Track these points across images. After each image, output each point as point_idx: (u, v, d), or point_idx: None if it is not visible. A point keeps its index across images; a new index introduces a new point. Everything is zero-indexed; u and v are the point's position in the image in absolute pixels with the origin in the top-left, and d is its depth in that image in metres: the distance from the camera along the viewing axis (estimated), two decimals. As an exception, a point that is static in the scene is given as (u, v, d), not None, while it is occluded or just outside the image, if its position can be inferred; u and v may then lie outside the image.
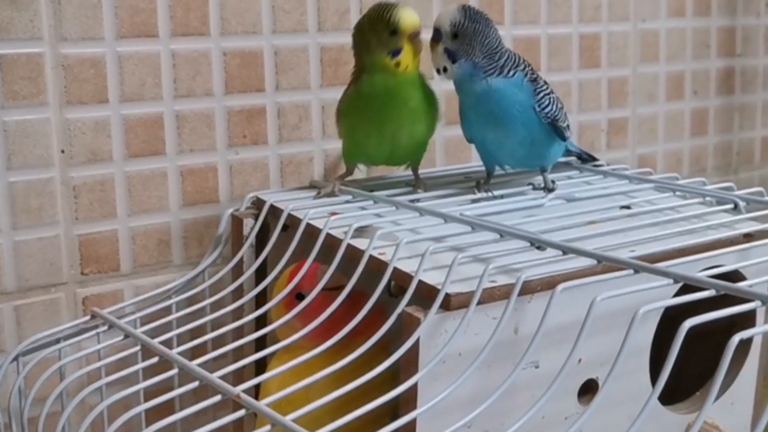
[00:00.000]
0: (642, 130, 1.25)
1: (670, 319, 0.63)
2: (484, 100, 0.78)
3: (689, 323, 0.47)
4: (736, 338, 0.45)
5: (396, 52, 0.77)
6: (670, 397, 0.75)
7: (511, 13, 1.09)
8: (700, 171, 1.31)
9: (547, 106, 0.79)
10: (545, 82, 0.80)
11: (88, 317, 0.73)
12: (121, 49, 0.85)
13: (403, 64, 0.78)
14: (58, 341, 0.71)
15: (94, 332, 0.71)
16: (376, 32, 0.78)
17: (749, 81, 1.36)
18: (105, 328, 0.70)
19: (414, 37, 0.78)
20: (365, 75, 0.80)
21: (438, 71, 0.79)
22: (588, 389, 0.66)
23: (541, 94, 0.78)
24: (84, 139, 0.84)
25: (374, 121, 0.80)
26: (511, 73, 0.78)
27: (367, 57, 0.79)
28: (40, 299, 0.84)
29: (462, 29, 0.77)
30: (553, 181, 0.82)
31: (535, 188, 0.83)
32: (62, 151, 0.83)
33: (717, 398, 0.76)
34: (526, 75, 0.78)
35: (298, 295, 0.67)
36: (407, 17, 0.77)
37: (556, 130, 0.80)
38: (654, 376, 0.65)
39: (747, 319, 0.69)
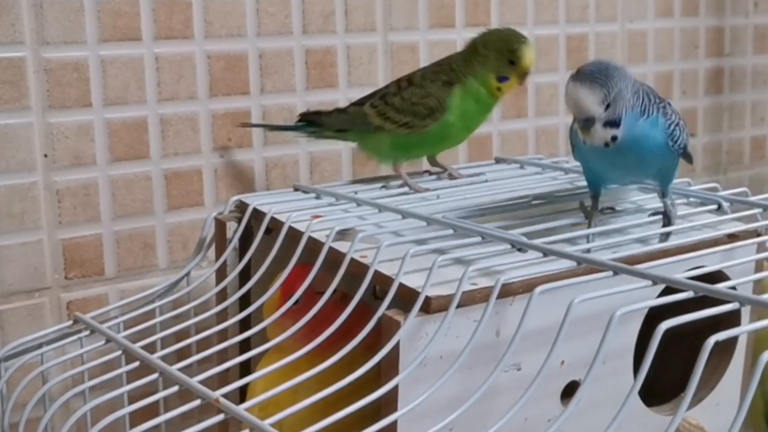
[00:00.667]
0: (630, 131, 1.24)
1: (658, 320, 0.63)
2: (626, 145, 0.68)
3: (665, 325, 0.47)
4: (712, 340, 0.45)
5: (503, 79, 0.84)
6: (656, 398, 0.75)
7: (497, 14, 1.09)
8: (689, 171, 1.31)
9: (678, 137, 0.71)
10: (672, 110, 0.73)
11: (71, 322, 0.73)
12: (104, 53, 0.85)
13: (503, 92, 0.85)
14: (40, 346, 0.71)
15: (76, 337, 0.71)
16: (498, 53, 0.84)
17: (738, 81, 1.37)
18: (87, 332, 0.70)
19: (524, 75, 0.84)
20: (464, 79, 0.85)
21: (606, 145, 0.68)
22: (571, 391, 0.66)
23: (672, 126, 0.71)
24: (67, 143, 0.84)
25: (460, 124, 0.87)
26: (650, 111, 0.69)
27: (474, 67, 0.85)
28: (24, 304, 0.84)
29: (611, 98, 0.66)
30: (673, 204, 0.75)
31: (653, 214, 0.76)
32: (45, 156, 0.83)
33: (701, 399, 0.76)
34: (659, 110, 0.70)
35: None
36: (530, 56, 0.83)
37: (685, 156, 0.74)
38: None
39: (732, 320, 0.69)
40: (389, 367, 0.58)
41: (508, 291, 0.60)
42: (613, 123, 0.67)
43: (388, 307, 0.59)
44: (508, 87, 0.84)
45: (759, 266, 0.73)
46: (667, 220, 0.73)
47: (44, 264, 0.84)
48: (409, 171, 0.86)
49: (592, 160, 0.73)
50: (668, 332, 0.50)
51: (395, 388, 0.56)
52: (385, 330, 0.58)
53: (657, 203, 0.77)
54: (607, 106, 0.66)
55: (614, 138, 0.67)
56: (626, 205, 0.80)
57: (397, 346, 0.57)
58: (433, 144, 0.88)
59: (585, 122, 0.67)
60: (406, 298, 0.60)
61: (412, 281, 0.60)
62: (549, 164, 0.92)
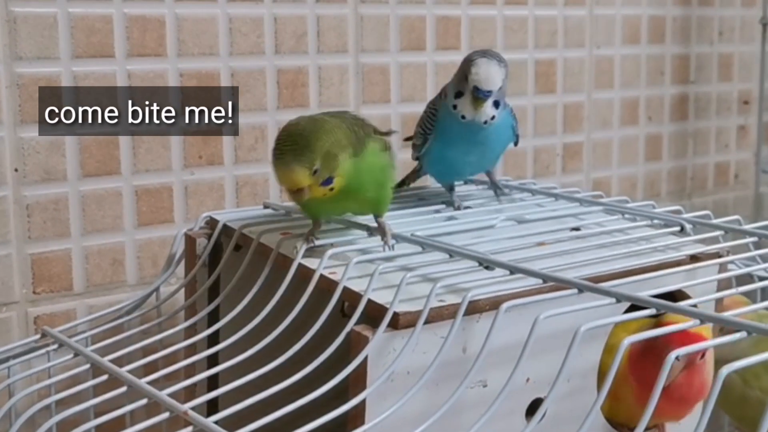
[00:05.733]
0: (597, 155, 1.26)
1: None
2: (496, 132, 0.81)
3: (628, 341, 0.48)
4: (672, 355, 0.46)
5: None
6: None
7: (467, 38, 1.11)
8: (655, 196, 1.33)
9: (517, 121, 0.84)
10: None
11: (38, 336, 0.73)
12: (77, 69, 0.85)
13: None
14: (7, 360, 0.71)
15: (44, 351, 0.70)
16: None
17: (703, 107, 1.39)
18: (55, 346, 0.70)
19: None
20: None
21: (485, 122, 0.79)
22: (536, 408, 0.67)
23: (513, 112, 0.83)
24: (38, 158, 0.84)
25: None
26: (506, 103, 0.81)
27: None
28: (-9, 318, 0.84)
29: (505, 79, 0.78)
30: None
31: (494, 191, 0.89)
32: (16, 170, 0.83)
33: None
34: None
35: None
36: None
37: (516, 139, 0.85)
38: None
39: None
40: (357, 381, 0.58)
41: (474, 308, 0.61)
42: (497, 103, 0.79)
43: (357, 323, 0.60)
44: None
45: (721, 286, 0.75)
46: (499, 190, 0.88)
47: (12, 278, 0.84)
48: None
49: (453, 147, 0.81)
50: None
51: (363, 403, 0.56)
52: (354, 345, 0.59)
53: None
54: (499, 88, 0.78)
55: (493, 117, 0.79)
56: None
57: (365, 361, 0.58)
58: None
59: (485, 94, 0.77)
60: (374, 314, 0.60)
61: (381, 297, 0.61)
62: (516, 186, 0.94)
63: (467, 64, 0.78)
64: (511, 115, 0.83)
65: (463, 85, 0.78)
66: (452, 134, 0.81)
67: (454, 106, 0.79)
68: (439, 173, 0.87)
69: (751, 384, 0.83)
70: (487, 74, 0.77)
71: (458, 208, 0.84)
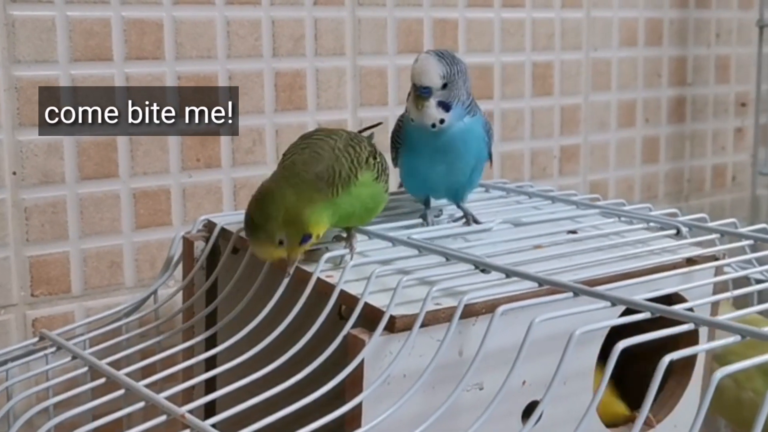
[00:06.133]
0: (594, 157, 1.27)
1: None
2: (458, 140, 0.77)
3: (622, 344, 0.49)
4: (667, 359, 0.46)
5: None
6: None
7: (464, 41, 1.11)
8: (652, 198, 1.33)
9: (491, 138, 0.80)
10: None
11: (36, 339, 0.73)
12: (75, 72, 0.85)
13: None
14: (5, 362, 0.71)
15: (42, 353, 0.71)
16: None
17: (700, 110, 1.39)
18: (53, 349, 0.70)
19: None
20: None
21: (433, 125, 0.75)
22: (532, 411, 0.67)
23: (489, 128, 0.80)
24: (36, 161, 0.84)
25: None
26: (475, 112, 0.78)
27: None
28: (-11, 321, 0.84)
29: (450, 77, 0.74)
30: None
31: (454, 220, 0.82)
32: (14, 173, 0.84)
33: (660, 421, 0.77)
34: (483, 115, 0.79)
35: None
36: None
37: (490, 157, 0.81)
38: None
39: (691, 342, 0.70)
40: (353, 384, 0.58)
41: (470, 311, 0.61)
42: (445, 105, 0.74)
43: (353, 326, 0.60)
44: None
45: (717, 289, 0.75)
46: (472, 219, 0.81)
47: (10, 281, 0.84)
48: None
49: (419, 156, 0.78)
50: (629, 355, 0.51)
51: (359, 406, 0.57)
52: (351, 348, 0.59)
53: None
54: (444, 86, 0.74)
55: (442, 121, 0.75)
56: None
57: (361, 364, 0.58)
58: None
59: (423, 90, 0.74)
60: (371, 317, 0.61)
61: (377, 301, 0.61)
62: (513, 188, 0.94)
63: None
64: (484, 128, 0.79)
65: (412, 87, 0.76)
66: (414, 142, 0.78)
67: (407, 109, 0.77)
68: (412, 186, 0.83)
69: (744, 386, 0.83)
70: (422, 69, 0.74)
71: (431, 224, 0.80)
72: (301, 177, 0.65)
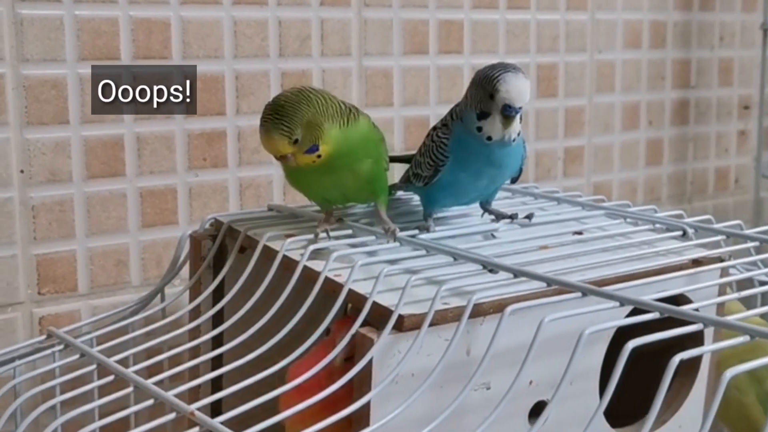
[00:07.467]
0: (598, 159, 1.27)
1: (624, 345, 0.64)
2: (513, 154, 0.76)
3: (632, 344, 0.49)
4: (677, 358, 0.47)
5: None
6: (621, 419, 0.76)
7: (469, 42, 1.11)
8: (655, 200, 1.34)
9: (525, 157, 0.79)
10: None
11: (44, 336, 0.73)
12: (83, 71, 0.86)
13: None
14: (12, 360, 0.71)
15: (49, 351, 0.71)
16: None
17: (703, 112, 1.39)
18: (61, 347, 0.70)
19: None
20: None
21: (514, 140, 0.73)
22: (539, 411, 0.67)
23: (525, 143, 0.79)
24: (43, 159, 0.85)
25: None
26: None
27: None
28: (-4, 319, 0.84)
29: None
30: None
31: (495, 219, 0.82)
32: (21, 171, 0.84)
33: (665, 421, 0.78)
34: None
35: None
36: None
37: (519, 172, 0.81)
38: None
39: (697, 342, 0.70)
40: (362, 383, 0.59)
41: (479, 311, 0.61)
42: (521, 119, 0.74)
43: (362, 325, 0.60)
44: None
45: (722, 290, 0.75)
46: (506, 216, 0.81)
47: (18, 279, 0.84)
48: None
49: (468, 171, 0.76)
50: (635, 355, 0.51)
51: (367, 405, 0.57)
52: (359, 347, 0.59)
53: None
54: None
55: (519, 133, 0.74)
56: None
57: (369, 363, 0.58)
58: None
59: (516, 111, 0.71)
60: (378, 316, 0.61)
61: (386, 300, 0.62)
62: (519, 189, 0.94)
63: (491, 82, 0.70)
64: (523, 145, 0.78)
65: (488, 105, 0.71)
66: (469, 158, 0.75)
67: (479, 128, 0.72)
68: (441, 198, 0.79)
69: (746, 391, 0.84)
70: (518, 90, 0.70)
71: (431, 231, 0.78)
72: (325, 99, 0.71)
